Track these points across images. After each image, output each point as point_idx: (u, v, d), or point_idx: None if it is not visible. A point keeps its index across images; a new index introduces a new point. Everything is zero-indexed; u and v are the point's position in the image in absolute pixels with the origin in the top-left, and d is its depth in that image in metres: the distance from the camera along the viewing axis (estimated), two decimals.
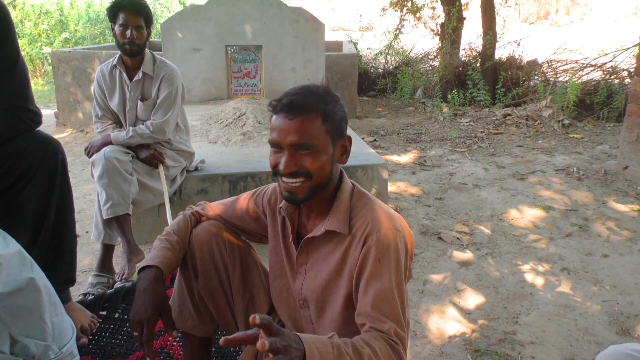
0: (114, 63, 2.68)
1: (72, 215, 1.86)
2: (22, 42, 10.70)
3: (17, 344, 1.30)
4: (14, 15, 11.07)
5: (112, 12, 2.51)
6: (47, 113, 7.01)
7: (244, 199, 1.46)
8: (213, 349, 1.70)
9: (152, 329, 1.25)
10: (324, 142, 1.19)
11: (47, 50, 10.47)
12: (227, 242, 1.43)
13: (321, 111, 1.19)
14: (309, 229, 1.32)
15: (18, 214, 1.72)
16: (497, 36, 7.41)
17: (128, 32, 2.49)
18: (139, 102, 2.70)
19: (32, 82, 8.74)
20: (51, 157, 1.73)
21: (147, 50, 2.67)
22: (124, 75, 2.67)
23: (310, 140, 1.17)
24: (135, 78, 2.66)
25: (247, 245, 1.50)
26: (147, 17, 2.54)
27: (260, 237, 1.48)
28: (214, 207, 1.50)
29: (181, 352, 1.63)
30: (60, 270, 1.80)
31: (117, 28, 2.52)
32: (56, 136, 5.73)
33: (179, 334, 1.41)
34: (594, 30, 14.89)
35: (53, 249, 1.77)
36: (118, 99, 2.71)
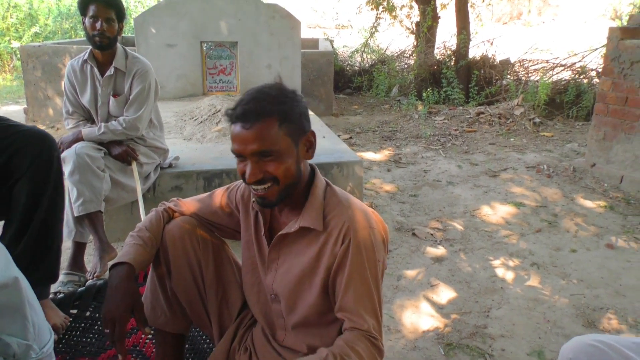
0: (85, 58, 2.63)
1: (61, 213, 1.86)
2: None
3: None
4: None
5: (83, 5, 2.46)
6: (16, 109, 6.85)
7: (217, 195, 1.46)
8: (187, 346, 1.69)
9: (124, 326, 1.25)
10: (286, 144, 1.19)
11: (16, 44, 10.20)
12: (200, 238, 1.43)
13: (276, 114, 1.17)
14: (281, 223, 1.32)
15: (10, 208, 1.71)
16: (471, 35, 7.52)
17: (98, 24, 2.45)
18: (111, 98, 2.66)
19: (0, 78, 8.48)
20: (46, 154, 1.73)
21: (118, 45, 2.63)
22: (95, 70, 2.63)
23: (271, 146, 1.17)
24: (107, 73, 2.62)
25: (221, 242, 1.50)
26: (118, 10, 2.50)
27: (233, 233, 1.48)
28: (187, 203, 1.49)
29: (154, 350, 1.62)
30: (46, 266, 1.79)
31: (87, 20, 2.47)
32: None
33: (152, 331, 1.40)
34: (565, 31, 15.23)
35: (40, 245, 1.76)
36: (89, 94, 2.66)
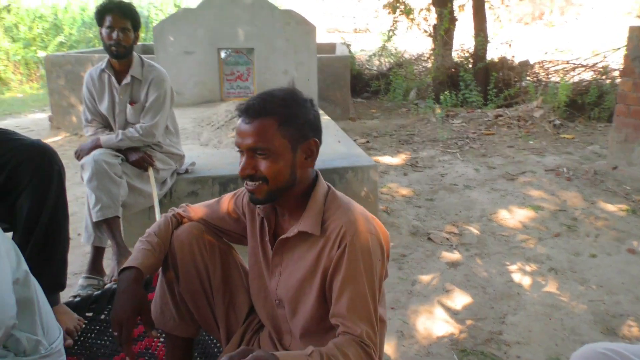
0: (103, 67, 2.69)
1: (65, 223, 1.90)
2: (17, 46, 10.70)
3: (10, 338, 1.31)
4: (9, 19, 11.07)
5: (99, 15, 2.53)
6: (42, 117, 7.03)
7: (224, 201, 1.48)
8: (196, 353, 1.72)
9: (131, 329, 1.27)
10: (281, 146, 1.20)
11: (42, 54, 10.46)
12: (208, 243, 1.45)
13: (277, 115, 1.19)
14: (285, 229, 1.34)
15: (13, 220, 1.76)
16: (490, 37, 7.45)
17: (114, 34, 2.51)
18: (128, 106, 2.71)
19: (27, 86, 8.72)
20: (47, 167, 1.77)
21: (135, 53, 2.68)
22: (113, 79, 2.69)
23: (265, 144, 1.18)
24: (124, 81, 2.67)
25: (228, 247, 1.52)
26: (133, 20, 2.56)
27: (240, 238, 1.49)
28: (195, 209, 1.51)
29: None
30: (50, 276, 1.83)
31: (104, 31, 2.54)
32: (50, 140, 5.74)
33: (158, 334, 1.43)
34: (589, 30, 14.96)
35: (43, 255, 1.80)
36: (107, 102, 2.72)
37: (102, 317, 1.81)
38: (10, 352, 1.31)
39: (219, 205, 1.49)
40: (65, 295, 2.36)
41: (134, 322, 1.28)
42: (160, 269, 1.47)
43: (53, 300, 1.79)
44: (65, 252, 1.89)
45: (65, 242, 1.90)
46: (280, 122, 1.19)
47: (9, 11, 11.16)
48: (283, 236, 1.30)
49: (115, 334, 1.28)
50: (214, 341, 1.80)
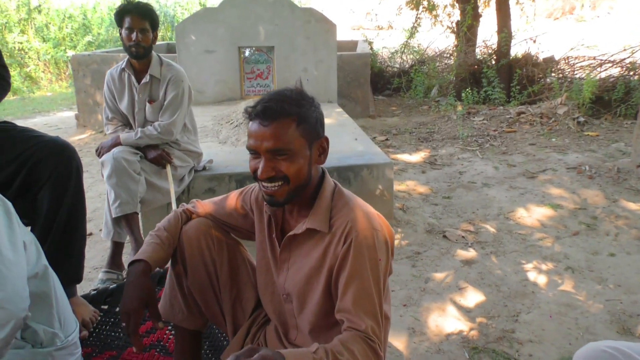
0: (123, 66, 2.76)
1: (83, 219, 1.96)
2: (47, 46, 11.01)
3: (27, 330, 1.38)
4: (40, 20, 11.40)
5: (119, 17, 2.60)
6: (69, 115, 7.23)
7: (233, 197, 1.51)
8: (206, 346, 1.76)
9: (138, 320, 1.31)
10: (300, 145, 1.23)
11: (70, 53, 10.74)
12: (216, 238, 1.49)
13: (295, 115, 1.22)
14: (292, 226, 1.36)
15: (33, 215, 1.83)
16: (518, 32, 7.32)
17: (133, 35, 2.58)
18: (147, 104, 2.78)
19: (57, 85, 8.95)
20: (66, 163, 1.84)
21: (154, 53, 2.75)
22: (132, 78, 2.76)
23: (286, 145, 1.21)
24: (143, 81, 2.74)
25: (236, 242, 1.55)
26: (152, 20, 2.62)
27: (248, 234, 1.52)
28: (205, 205, 1.55)
29: None
30: (68, 270, 1.90)
31: (123, 32, 2.61)
32: (76, 137, 5.91)
33: (164, 326, 1.47)
34: (620, 25, 14.56)
35: (61, 250, 1.87)
36: (127, 101, 2.79)
37: (117, 309, 1.87)
38: (28, 344, 1.37)
39: (226, 201, 1.52)
40: (86, 289, 2.44)
41: (141, 314, 1.32)
42: (169, 263, 1.51)
43: (70, 293, 1.86)
44: (82, 246, 1.96)
45: (82, 236, 1.96)
46: (298, 121, 1.22)
47: (39, 12, 11.49)
48: (291, 233, 1.33)
49: (123, 324, 1.33)
50: (223, 335, 1.84)
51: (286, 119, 1.21)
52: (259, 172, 1.23)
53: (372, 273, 1.22)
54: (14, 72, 10.33)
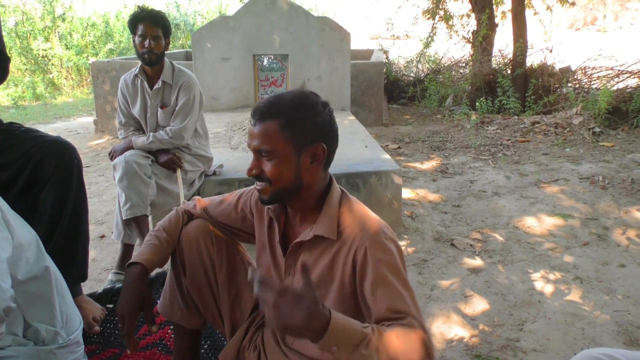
0: (136, 72, 2.83)
1: (85, 216, 2.00)
2: (70, 53, 11.28)
3: (29, 328, 1.42)
4: (64, 28, 11.69)
5: (132, 24, 2.67)
6: (89, 120, 7.38)
7: (232, 199, 1.53)
8: (206, 346, 1.77)
9: (133, 322, 1.34)
10: (283, 149, 1.22)
11: (92, 60, 10.98)
12: (215, 239, 1.51)
13: (281, 118, 1.21)
14: (295, 231, 1.36)
15: (36, 214, 1.88)
16: (536, 42, 7.28)
17: (146, 42, 2.64)
18: (159, 109, 2.84)
19: (78, 91, 9.13)
20: (67, 162, 1.88)
21: (166, 59, 2.81)
22: (145, 83, 2.82)
23: (267, 146, 1.21)
24: (156, 86, 2.80)
25: (235, 244, 1.57)
26: (164, 27, 2.68)
27: (247, 237, 1.53)
28: (205, 206, 1.57)
29: None
30: (74, 267, 1.94)
31: (136, 39, 2.67)
32: (94, 142, 6.03)
33: (159, 330, 1.49)
34: None
35: (67, 248, 1.91)
36: (140, 106, 2.86)
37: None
38: (31, 342, 1.41)
39: (225, 203, 1.54)
40: (97, 290, 2.49)
41: (136, 316, 1.34)
42: (169, 263, 1.54)
43: (76, 291, 1.90)
44: (86, 244, 2.00)
45: (85, 234, 2.00)
46: (283, 125, 1.20)
47: (63, 20, 11.80)
48: (298, 239, 1.32)
49: (119, 325, 1.35)
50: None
51: (271, 120, 1.21)
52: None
53: (395, 273, 1.18)
54: (37, 79, 10.61)
